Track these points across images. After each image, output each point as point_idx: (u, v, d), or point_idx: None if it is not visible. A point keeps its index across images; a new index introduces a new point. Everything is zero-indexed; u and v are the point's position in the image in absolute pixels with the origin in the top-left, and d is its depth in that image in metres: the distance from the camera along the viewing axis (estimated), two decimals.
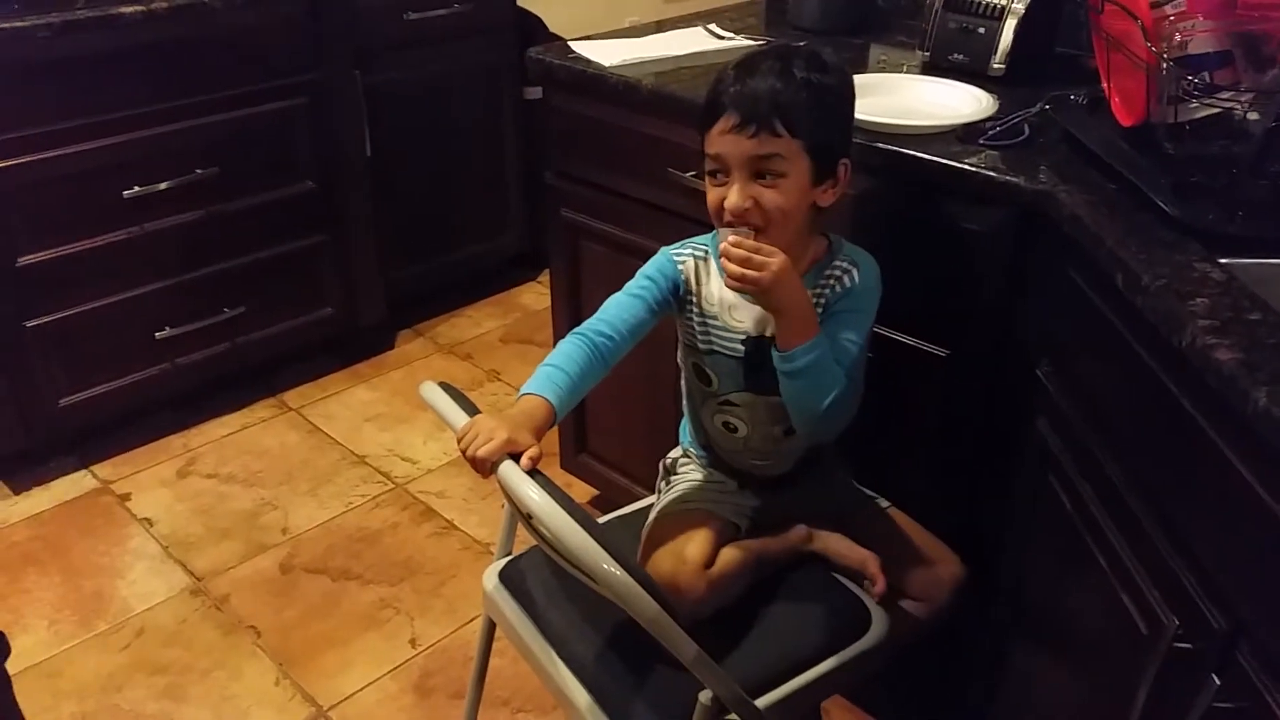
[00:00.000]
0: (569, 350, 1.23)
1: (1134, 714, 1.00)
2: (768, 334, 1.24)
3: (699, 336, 1.32)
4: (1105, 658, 1.13)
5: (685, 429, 1.47)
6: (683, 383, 1.42)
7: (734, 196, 1.19)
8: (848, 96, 1.26)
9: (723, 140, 1.20)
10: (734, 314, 1.30)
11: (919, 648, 1.39)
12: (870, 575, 1.33)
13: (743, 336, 1.29)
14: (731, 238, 1.16)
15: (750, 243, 1.16)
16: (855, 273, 1.27)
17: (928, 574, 1.35)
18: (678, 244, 1.35)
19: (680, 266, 1.32)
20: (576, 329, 1.26)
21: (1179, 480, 0.98)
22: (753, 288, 1.15)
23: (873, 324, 1.28)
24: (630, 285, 1.31)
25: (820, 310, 1.24)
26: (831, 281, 1.26)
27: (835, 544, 1.36)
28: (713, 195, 1.23)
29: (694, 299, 1.32)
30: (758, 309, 1.25)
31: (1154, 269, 1.03)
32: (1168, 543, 0.99)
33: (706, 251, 1.33)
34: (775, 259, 1.14)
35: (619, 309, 1.28)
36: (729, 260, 1.15)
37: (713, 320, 1.31)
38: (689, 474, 1.44)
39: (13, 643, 1.28)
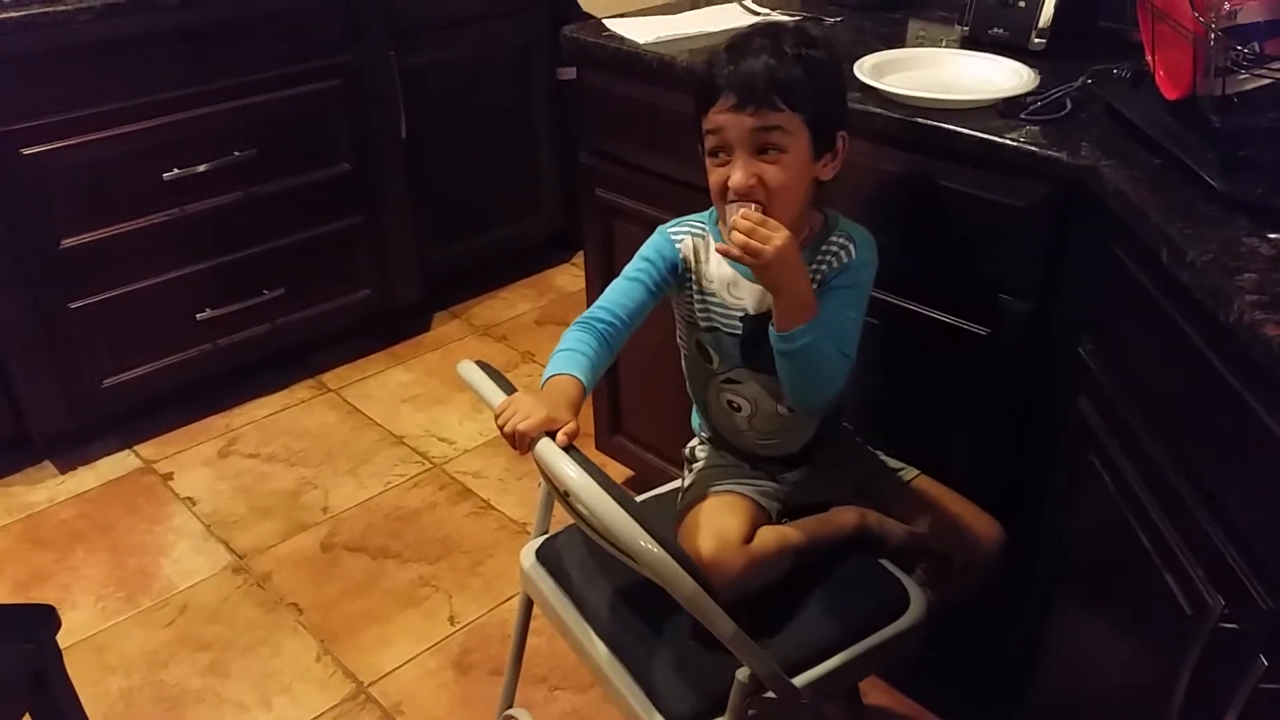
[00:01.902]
0: (577, 335, 1.24)
1: (1177, 695, 0.99)
2: (766, 311, 1.24)
3: (699, 314, 1.32)
4: (1148, 637, 1.11)
5: (695, 416, 1.47)
6: (684, 365, 1.42)
7: (738, 175, 1.19)
8: (838, 69, 1.28)
9: (722, 118, 1.20)
10: (733, 291, 1.29)
11: (958, 628, 1.39)
12: (944, 549, 1.33)
13: (741, 314, 1.29)
14: (743, 209, 1.17)
15: (758, 215, 1.16)
16: (852, 248, 1.27)
17: (965, 539, 1.34)
18: (674, 222, 1.35)
19: (678, 245, 1.32)
20: (578, 318, 1.26)
21: (1225, 458, 0.97)
22: (754, 260, 1.15)
23: (869, 297, 1.28)
24: (628, 269, 1.31)
25: (817, 286, 1.24)
26: (828, 258, 1.26)
27: (890, 526, 1.35)
28: (715, 175, 1.23)
29: (693, 277, 1.32)
30: (758, 287, 1.25)
31: (1200, 244, 1.01)
32: (1213, 521, 0.97)
33: (704, 229, 1.32)
34: (779, 234, 1.14)
35: (618, 294, 1.28)
36: (737, 230, 1.15)
37: (712, 298, 1.31)
38: (706, 459, 1.43)
39: (62, 618, 1.30)
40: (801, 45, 1.21)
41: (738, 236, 1.15)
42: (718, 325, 1.31)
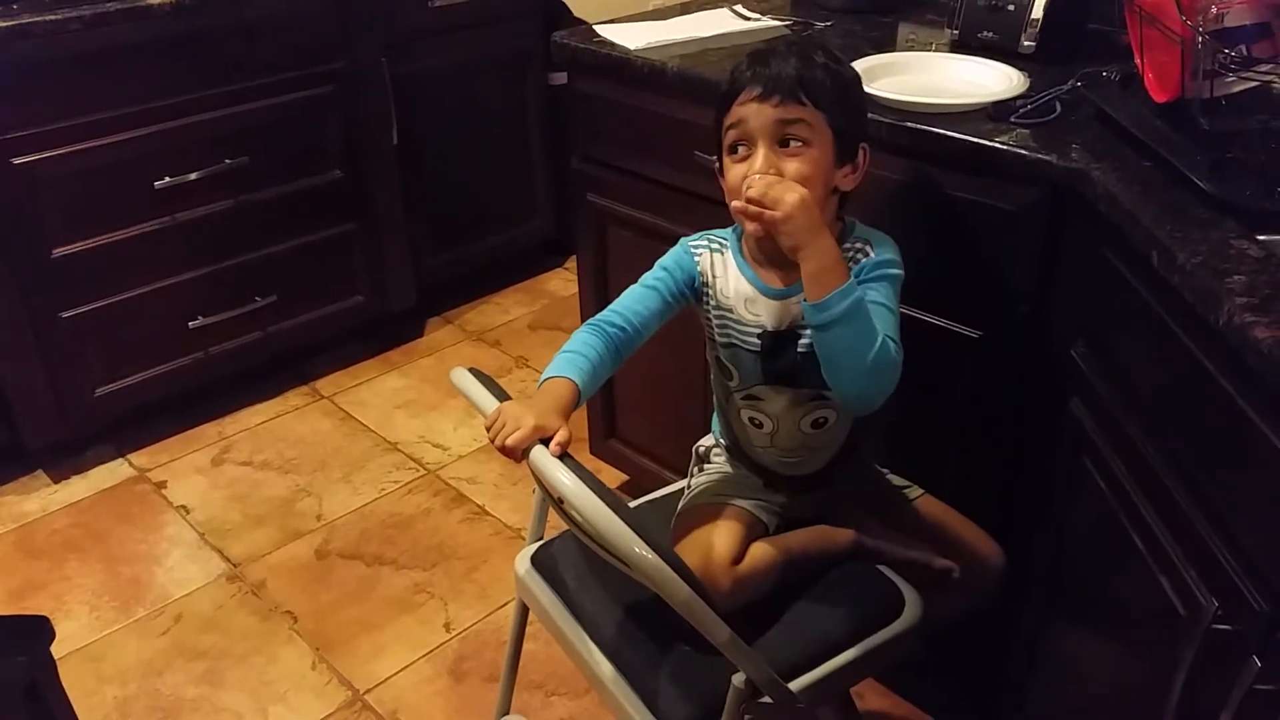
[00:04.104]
0: (584, 338, 1.23)
1: (1172, 696, 0.99)
2: (786, 328, 1.24)
3: (717, 330, 1.31)
4: (1143, 640, 1.12)
5: (716, 420, 1.46)
6: (712, 377, 1.41)
7: (759, 162, 1.18)
8: (860, 86, 1.28)
9: (745, 109, 1.19)
10: (750, 308, 1.27)
11: (954, 631, 1.39)
12: (941, 567, 1.32)
13: (759, 330, 1.27)
14: (759, 174, 1.16)
15: (774, 177, 1.15)
16: (869, 248, 1.25)
17: (967, 564, 1.34)
18: (696, 235, 1.33)
19: (696, 258, 1.30)
20: (590, 320, 1.25)
21: (1216, 460, 0.97)
22: (772, 211, 1.12)
23: (900, 295, 1.25)
24: (646, 276, 1.30)
25: None
26: (846, 262, 1.24)
27: (888, 549, 1.34)
28: (735, 171, 1.21)
29: (710, 292, 1.30)
30: (777, 303, 1.25)
31: (1190, 247, 1.01)
32: (1206, 523, 0.98)
33: (724, 244, 1.31)
34: (795, 192, 1.12)
35: (633, 300, 1.27)
36: (751, 190, 1.13)
37: (729, 314, 1.29)
38: (720, 465, 1.42)
39: (56, 628, 1.30)
40: (827, 58, 1.22)
41: (751, 193, 1.13)
42: (735, 342, 1.29)
